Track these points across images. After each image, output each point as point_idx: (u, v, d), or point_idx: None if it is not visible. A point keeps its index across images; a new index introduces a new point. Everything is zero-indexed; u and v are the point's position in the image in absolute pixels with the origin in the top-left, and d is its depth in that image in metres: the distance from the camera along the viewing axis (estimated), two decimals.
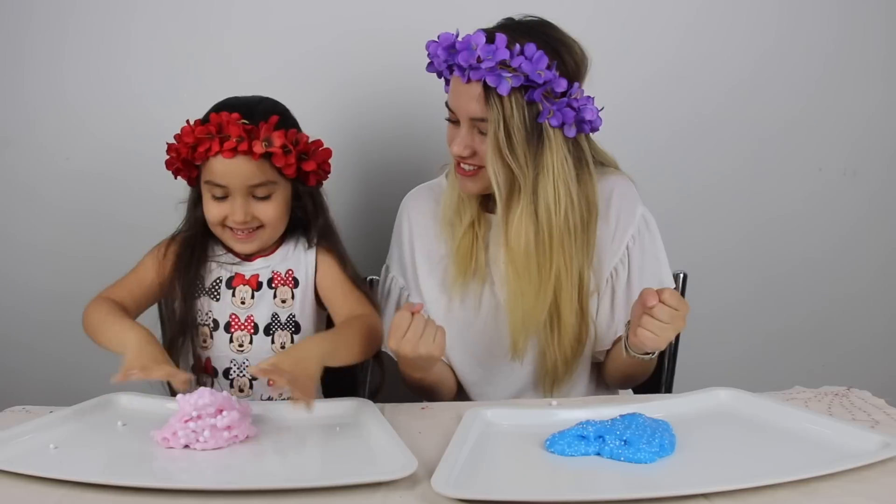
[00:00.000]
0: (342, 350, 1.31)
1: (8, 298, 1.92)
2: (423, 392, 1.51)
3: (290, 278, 1.45)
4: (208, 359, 1.45)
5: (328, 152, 1.43)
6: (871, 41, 2.04)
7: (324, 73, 1.91)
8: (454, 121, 1.41)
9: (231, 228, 1.39)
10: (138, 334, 1.26)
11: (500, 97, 1.32)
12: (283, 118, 1.39)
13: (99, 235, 1.90)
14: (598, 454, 1.09)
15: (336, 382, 1.53)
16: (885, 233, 2.12)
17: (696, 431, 1.16)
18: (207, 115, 1.37)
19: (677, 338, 1.75)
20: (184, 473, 1.05)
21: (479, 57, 1.32)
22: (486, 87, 1.33)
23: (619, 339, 1.43)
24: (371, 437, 1.16)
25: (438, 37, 1.39)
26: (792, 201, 2.08)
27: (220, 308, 1.44)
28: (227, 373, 1.45)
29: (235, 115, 1.33)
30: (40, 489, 1.00)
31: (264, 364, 1.16)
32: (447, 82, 1.44)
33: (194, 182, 1.43)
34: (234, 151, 1.32)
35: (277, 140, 1.34)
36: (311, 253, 1.47)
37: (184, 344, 1.44)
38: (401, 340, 1.25)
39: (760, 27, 2.00)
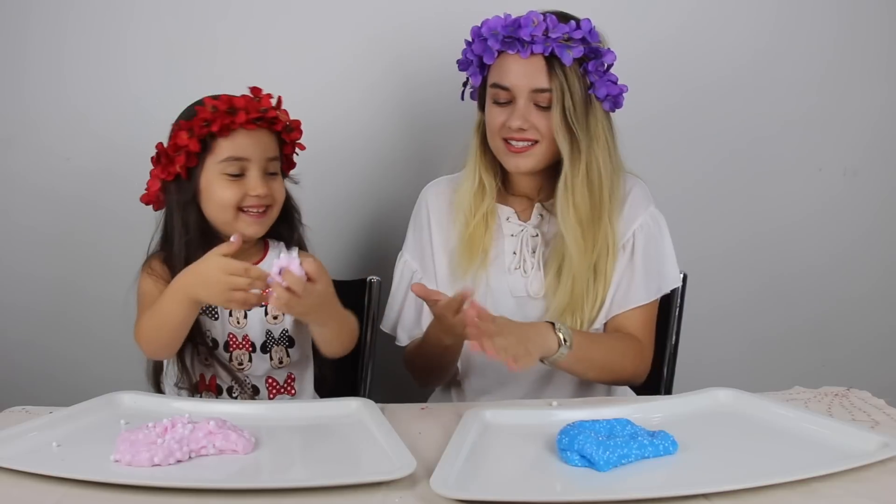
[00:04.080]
0: (338, 324, 1.35)
1: (9, 298, 1.92)
2: (435, 368, 1.55)
3: None
4: (213, 376, 1.43)
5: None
6: (872, 41, 2.04)
7: (324, 71, 1.91)
8: (503, 102, 1.47)
9: (244, 211, 1.38)
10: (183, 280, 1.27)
11: (563, 67, 1.42)
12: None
13: (100, 235, 1.90)
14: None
15: (336, 383, 1.54)
16: (885, 233, 2.12)
17: (696, 432, 1.16)
18: (212, 98, 1.39)
19: (677, 338, 1.75)
20: (184, 473, 1.05)
21: (546, 30, 1.42)
22: (547, 60, 1.43)
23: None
24: (371, 437, 1.16)
25: (483, 22, 1.47)
26: (792, 201, 2.08)
27: (218, 327, 1.43)
28: (230, 391, 1.43)
29: (258, 89, 1.40)
30: (42, 487, 1.00)
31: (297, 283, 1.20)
32: (480, 71, 1.50)
33: (183, 174, 1.38)
34: (261, 122, 1.38)
35: (283, 116, 1.42)
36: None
37: (193, 357, 1.41)
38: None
39: (760, 26, 2.00)
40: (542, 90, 1.43)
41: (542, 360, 1.38)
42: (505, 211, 1.56)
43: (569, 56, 1.41)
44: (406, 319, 1.59)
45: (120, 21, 1.85)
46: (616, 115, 1.51)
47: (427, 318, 1.56)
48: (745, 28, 1.99)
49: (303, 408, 1.32)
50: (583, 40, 1.42)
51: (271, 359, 1.44)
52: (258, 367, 1.44)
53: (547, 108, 1.45)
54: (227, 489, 1.01)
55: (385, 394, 1.59)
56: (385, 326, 1.63)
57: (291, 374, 1.47)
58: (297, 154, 1.49)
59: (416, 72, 1.89)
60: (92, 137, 1.88)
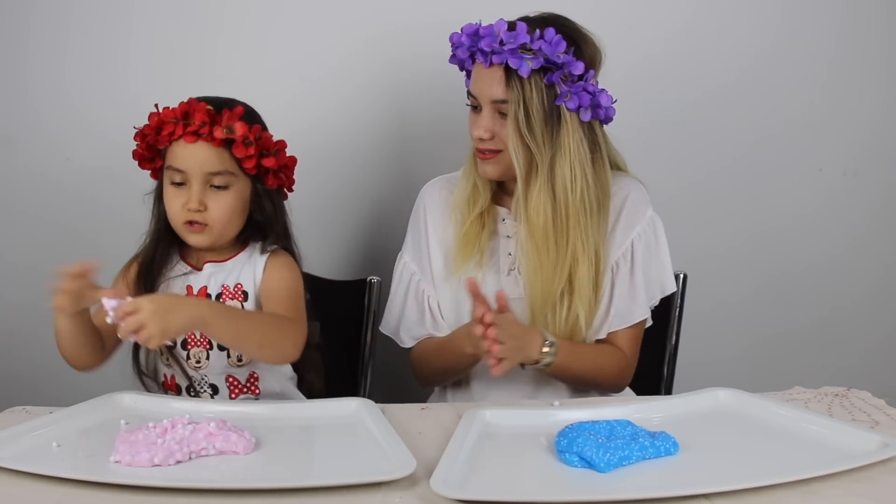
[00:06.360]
0: (234, 328, 1.29)
1: (10, 297, 1.92)
2: (449, 372, 1.56)
3: (240, 292, 1.42)
4: (173, 376, 1.43)
5: (293, 160, 1.43)
6: (872, 41, 2.04)
7: (324, 75, 1.90)
8: (476, 107, 1.48)
9: (188, 221, 1.37)
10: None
11: (521, 79, 1.40)
12: (249, 114, 1.40)
13: (101, 234, 1.90)
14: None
15: (336, 382, 1.54)
16: (885, 233, 2.13)
17: (696, 432, 1.16)
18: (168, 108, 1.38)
19: (677, 338, 1.75)
20: (184, 473, 1.05)
21: (501, 41, 1.40)
22: (507, 70, 1.41)
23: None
24: (371, 438, 1.16)
25: (461, 29, 1.46)
26: (792, 202, 2.08)
27: None
28: (188, 390, 1.43)
29: (203, 103, 1.35)
30: (42, 487, 1.01)
31: (128, 306, 1.16)
32: (468, 75, 1.51)
33: (158, 174, 1.42)
34: (196, 136, 1.33)
35: (240, 129, 1.35)
36: (263, 260, 1.43)
37: (155, 355, 1.43)
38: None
39: (761, 27, 2.00)
40: (501, 101, 1.43)
41: (521, 366, 1.41)
42: (501, 212, 1.56)
43: (526, 67, 1.39)
44: (409, 321, 1.58)
45: (121, 21, 1.85)
46: (616, 116, 1.51)
47: (430, 319, 1.56)
48: (746, 29, 1.99)
49: (303, 408, 1.31)
50: (539, 51, 1.39)
51: (229, 356, 1.41)
52: (216, 365, 1.42)
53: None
54: (227, 489, 1.01)
55: (385, 394, 1.59)
56: (385, 329, 1.61)
57: (254, 372, 1.44)
58: (277, 170, 1.41)
59: (421, 74, 1.89)
60: (93, 137, 1.88)
